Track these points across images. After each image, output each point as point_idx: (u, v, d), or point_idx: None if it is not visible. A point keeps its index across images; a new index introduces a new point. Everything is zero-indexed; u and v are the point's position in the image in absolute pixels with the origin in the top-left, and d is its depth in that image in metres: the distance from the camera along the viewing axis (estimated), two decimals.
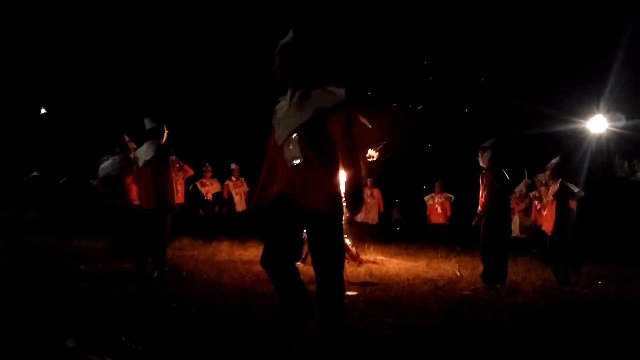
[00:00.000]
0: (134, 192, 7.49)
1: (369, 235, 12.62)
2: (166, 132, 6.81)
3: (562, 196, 7.35)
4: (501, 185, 6.66)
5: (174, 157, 11.19)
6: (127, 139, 8.16)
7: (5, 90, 18.42)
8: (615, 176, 22.99)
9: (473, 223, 7.06)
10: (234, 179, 12.71)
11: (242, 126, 19.01)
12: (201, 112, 19.29)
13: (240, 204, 12.60)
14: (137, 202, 7.21)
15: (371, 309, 4.92)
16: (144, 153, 6.72)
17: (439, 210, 13.06)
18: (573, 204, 7.93)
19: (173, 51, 19.30)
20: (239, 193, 12.63)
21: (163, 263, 6.54)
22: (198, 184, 12.50)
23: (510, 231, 6.99)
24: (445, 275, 7.55)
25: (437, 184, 13.25)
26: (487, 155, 6.82)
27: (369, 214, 13.30)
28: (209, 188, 12.59)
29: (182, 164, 11.12)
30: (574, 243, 7.67)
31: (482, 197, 6.82)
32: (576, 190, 7.75)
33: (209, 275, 6.59)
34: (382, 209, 13.59)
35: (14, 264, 6.80)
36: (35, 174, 13.04)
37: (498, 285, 6.49)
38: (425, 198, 13.37)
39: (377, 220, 13.46)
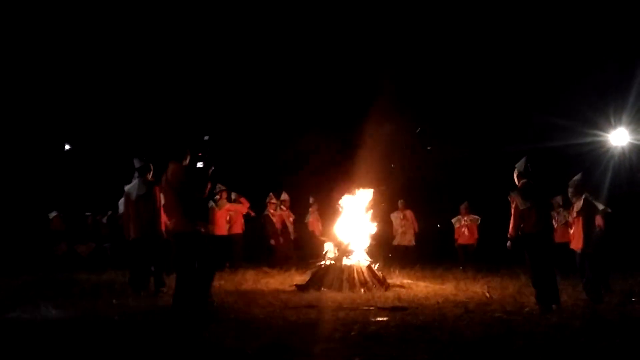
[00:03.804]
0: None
1: (407, 257, 12.74)
2: (152, 169, 7.70)
3: (587, 212, 7.25)
4: (527, 207, 6.44)
5: (233, 193, 12.37)
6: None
7: (29, 126, 18.72)
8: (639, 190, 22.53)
9: (507, 246, 6.78)
10: (284, 208, 13.11)
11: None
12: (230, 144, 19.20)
13: (293, 232, 13.24)
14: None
15: (404, 334, 4.91)
16: (136, 189, 7.63)
17: (466, 233, 12.97)
18: (600, 221, 7.78)
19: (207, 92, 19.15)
20: (291, 222, 13.24)
21: (161, 283, 7.54)
22: (269, 214, 12.80)
23: (553, 251, 6.75)
24: (475, 297, 7.46)
25: (462, 206, 13.14)
26: (516, 174, 6.71)
27: (405, 236, 13.32)
28: (277, 218, 12.92)
29: (239, 196, 12.33)
30: (603, 260, 7.52)
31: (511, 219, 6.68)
32: (601, 207, 7.61)
33: (239, 304, 6.64)
34: (417, 230, 13.51)
35: (47, 299, 6.89)
36: (110, 213, 13.25)
37: (553, 306, 6.31)
38: (453, 220, 13.30)
39: (413, 242, 13.43)
